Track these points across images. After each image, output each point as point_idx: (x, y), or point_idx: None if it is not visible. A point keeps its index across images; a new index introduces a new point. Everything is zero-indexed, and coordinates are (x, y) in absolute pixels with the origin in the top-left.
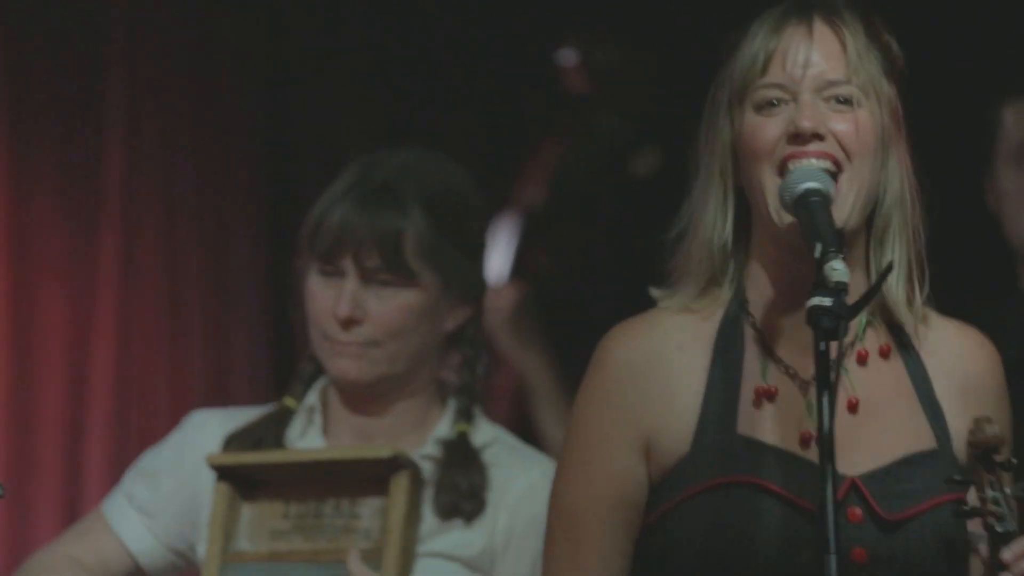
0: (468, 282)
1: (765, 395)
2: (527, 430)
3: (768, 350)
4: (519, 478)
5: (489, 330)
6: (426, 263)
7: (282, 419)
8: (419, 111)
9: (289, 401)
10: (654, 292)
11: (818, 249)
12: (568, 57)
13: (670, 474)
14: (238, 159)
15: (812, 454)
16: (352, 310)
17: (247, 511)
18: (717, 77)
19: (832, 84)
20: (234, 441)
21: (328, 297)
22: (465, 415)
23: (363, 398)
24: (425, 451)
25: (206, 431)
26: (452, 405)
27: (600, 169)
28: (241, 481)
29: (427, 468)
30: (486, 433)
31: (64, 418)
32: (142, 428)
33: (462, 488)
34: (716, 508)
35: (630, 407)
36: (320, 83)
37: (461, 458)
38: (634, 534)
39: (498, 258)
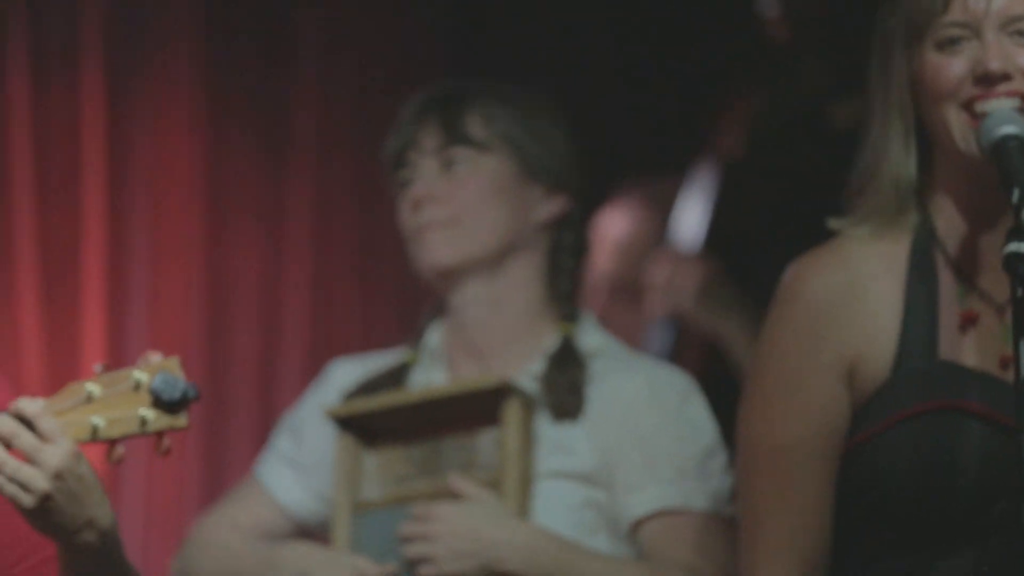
0: (547, 165)
1: (968, 320)
2: (721, 384)
3: (963, 276)
4: (625, 387)
5: (680, 305)
6: (492, 134)
7: (408, 363)
8: (613, 65)
9: (408, 357)
10: (834, 223)
11: (1016, 194)
12: (769, 5)
13: (870, 401)
14: None
15: (1011, 375)
16: (427, 190)
17: (371, 459)
18: (885, 8)
19: (1017, 19)
20: (364, 390)
21: (408, 194)
22: (568, 318)
23: (465, 302)
24: (534, 368)
25: (336, 377)
26: (555, 311)
27: (799, 119)
28: (362, 430)
29: (534, 385)
30: (594, 340)
31: (258, 360)
32: None
33: (562, 385)
34: (920, 434)
35: (830, 336)
36: (508, 25)
37: (562, 359)
38: (838, 462)
39: (694, 212)
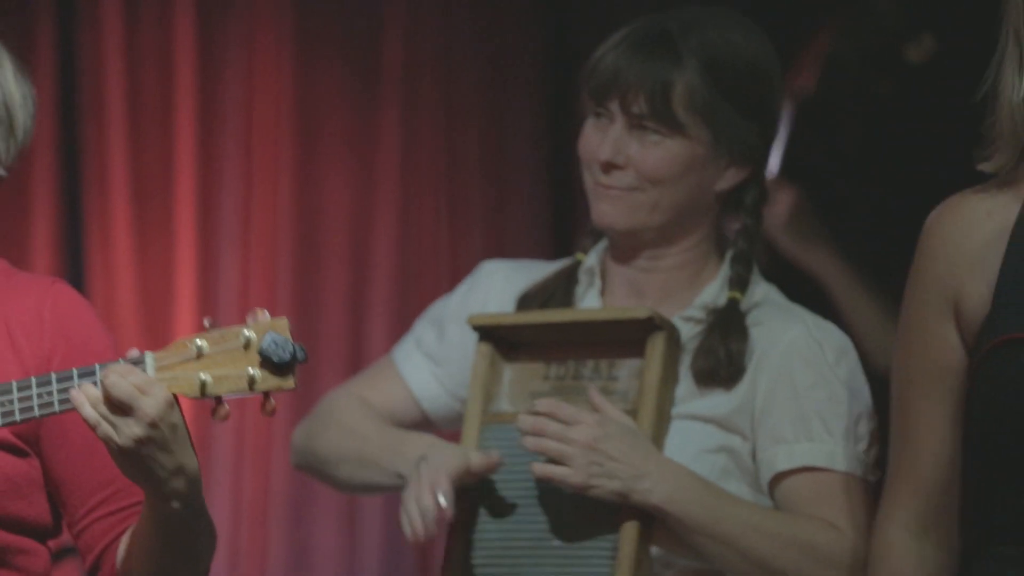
0: (743, 142)
1: None
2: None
3: None
4: (782, 337)
5: (769, 231)
6: (695, 116)
7: (572, 276)
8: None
9: (579, 256)
10: (976, 154)
11: None
12: None
13: (976, 337)
14: (517, 32)
15: None
16: (613, 155)
17: (508, 372)
18: None
19: None
20: (526, 301)
21: (595, 140)
22: (738, 283)
23: (632, 250)
24: (688, 313)
25: (493, 281)
26: (726, 271)
27: (874, 55)
28: (502, 341)
29: (688, 330)
30: (756, 294)
31: (347, 296)
32: (423, 304)
33: (719, 355)
34: (1005, 364)
35: (940, 278)
36: None
37: (725, 324)
38: (960, 400)
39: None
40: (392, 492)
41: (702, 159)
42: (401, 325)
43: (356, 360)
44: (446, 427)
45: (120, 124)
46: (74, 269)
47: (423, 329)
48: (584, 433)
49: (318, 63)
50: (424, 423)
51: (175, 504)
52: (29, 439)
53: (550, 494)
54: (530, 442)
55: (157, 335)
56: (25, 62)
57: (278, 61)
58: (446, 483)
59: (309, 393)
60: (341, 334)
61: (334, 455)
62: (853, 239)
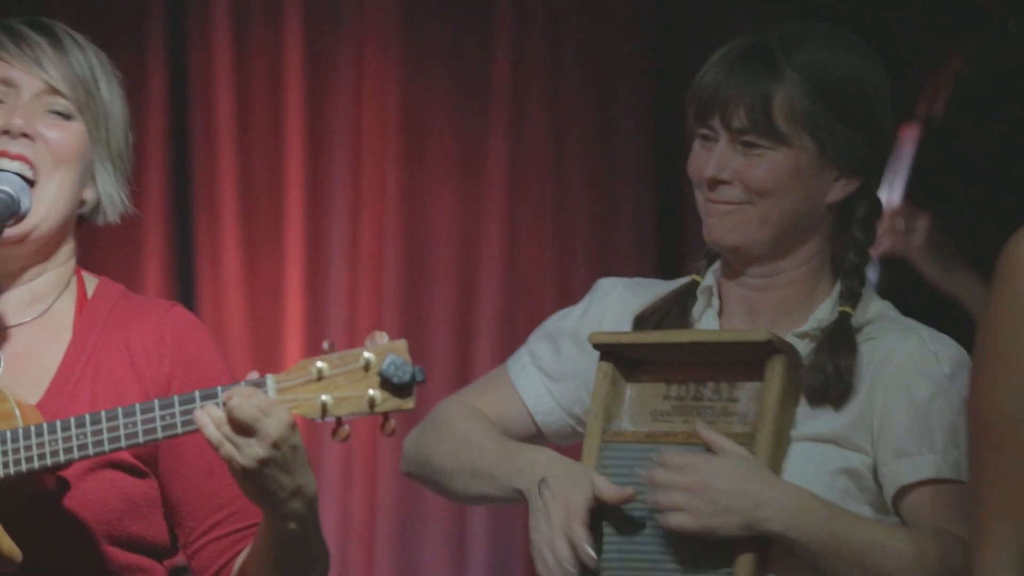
0: (850, 153)
1: None
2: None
3: None
4: (897, 350)
5: (909, 256)
6: (797, 126)
7: (688, 296)
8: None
9: (695, 277)
10: None
11: None
12: None
13: None
14: (623, 55)
15: None
16: (718, 170)
17: (629, 390)
18: None
19: None
20: (642, 320)
21: (702, 159)
22: (850, 297)
23: (745, 269)
24: (803, 330)
25: (610, 299)
26: (839, 286)
27: (1004, 80)
28: (622, 360)
29: (804, 347)
30: (871, 310)
31: (454, 314)
32: (529, 324)
33: (828, 371)
34: None
35: None
36: None
37: (835, 340)
38: None
39: (899, 173)
40: (506, 504)
41: (808, 170)
42: (508, 345)
43: (463, 381)
44: (558, 442)
45: (229, 147)
46: (184, 291)
47: (538, 343)
48: (694, 476)
49: (426, 85)
50: (537, 437)
51: (292, 525)
52: (148, 460)
53: (674, 532)
54: (647, 498)
55: (266, 356)
56: (136, 87)
57: (386, 83)
58: (582, 529)
59: (419, 411)
60: (448, 354)
61: (448, 465)
62: (987, 263)
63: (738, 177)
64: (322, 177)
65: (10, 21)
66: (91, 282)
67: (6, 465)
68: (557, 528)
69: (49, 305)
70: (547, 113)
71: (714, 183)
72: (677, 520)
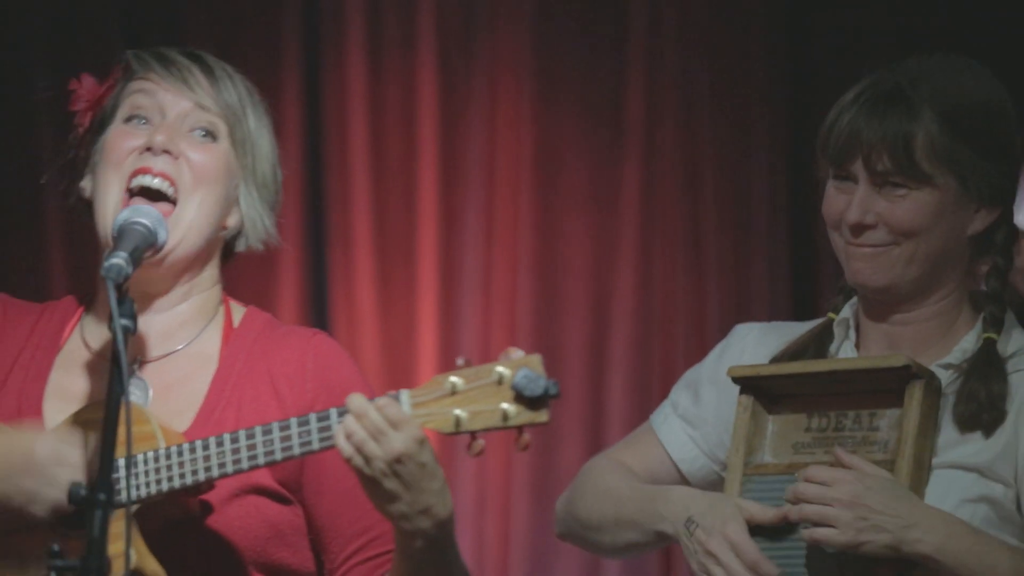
0: (989, 184)
1: None
2: None
3: None
4: None
5: (1012, 279)
6: (939, 165)
7: (825, 335)
8: (934, 28)
9: (831, 315)
10: None
11: None
12: None
13: None
14: (756, 87)
15: None
16: (862, 215)
17: (770, 424)
18: None
19: None
20: (779, 361)
21: (841, 202)
22: (994, 323)
23: (887, 305)
24: (947, 360)
25: (746, 342)
26: (982, 314)
27: None
28: (763, 393)
29: (947, 377)
30: (1012, 343)
31: (587, 345)
32: (662, 357)
33: (980, 398)
34: None
35: None
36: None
37: (983, 367)
38: None
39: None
40: (655, 549)
41: (951, 205)
42: (641, 379)
43: (596, 413)
44: (705, 489)
45: (363, 179)
46: (318, 323)
47: (679, 393)
48: (844, 491)
49: (558, 118)
50: (683, 486)
51: (419, 543)
52: (292, 487)
53: (815, 550)
54: (793, 512)
55: (399, 387)
56: (271, 119)
57: (519, 115)
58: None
59: (551, 441)
60: (581, 386)
61: (595, 519)
62: None
63: (882, 220)
64: (455, 208)
65: (161, 49)
66: (238, 311)
67: (148, 485)
68: (730, 561)
69: (196, 334)
70: (680, 145)
71: (859, 229)
72: (824, 534)
